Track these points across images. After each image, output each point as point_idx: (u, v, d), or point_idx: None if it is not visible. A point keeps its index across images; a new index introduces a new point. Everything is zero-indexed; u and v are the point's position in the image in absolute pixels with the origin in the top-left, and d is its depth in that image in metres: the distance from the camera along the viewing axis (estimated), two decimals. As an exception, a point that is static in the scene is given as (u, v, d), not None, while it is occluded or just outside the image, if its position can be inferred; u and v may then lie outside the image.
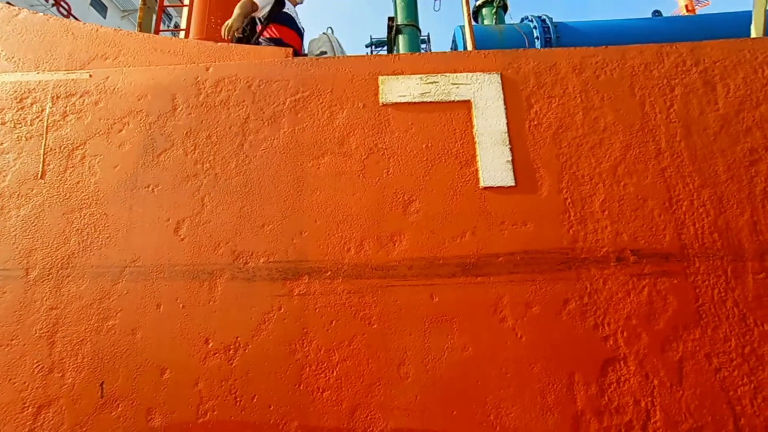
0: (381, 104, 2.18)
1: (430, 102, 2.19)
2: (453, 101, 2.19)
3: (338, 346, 1.85)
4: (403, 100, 2.19)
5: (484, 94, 2.19)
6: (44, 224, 2.03)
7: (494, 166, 2.08)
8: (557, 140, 2.10)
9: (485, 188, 2.05)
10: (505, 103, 2.17)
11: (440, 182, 2.06)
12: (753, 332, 1.78)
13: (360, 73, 2.24)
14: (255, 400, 1.80)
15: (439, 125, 2.16)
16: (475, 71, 2.24)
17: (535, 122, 2.15)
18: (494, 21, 6.55)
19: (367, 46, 12.76)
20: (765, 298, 1.81)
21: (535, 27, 5.99)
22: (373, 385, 1.81)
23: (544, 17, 6.03)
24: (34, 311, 1.92)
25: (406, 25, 6.40)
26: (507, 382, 1.79)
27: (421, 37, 6.82)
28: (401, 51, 6.47)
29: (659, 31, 5.73)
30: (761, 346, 1.76)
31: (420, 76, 2.23)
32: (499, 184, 2.05)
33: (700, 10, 17.44)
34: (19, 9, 2.43)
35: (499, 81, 2.21)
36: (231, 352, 1.85)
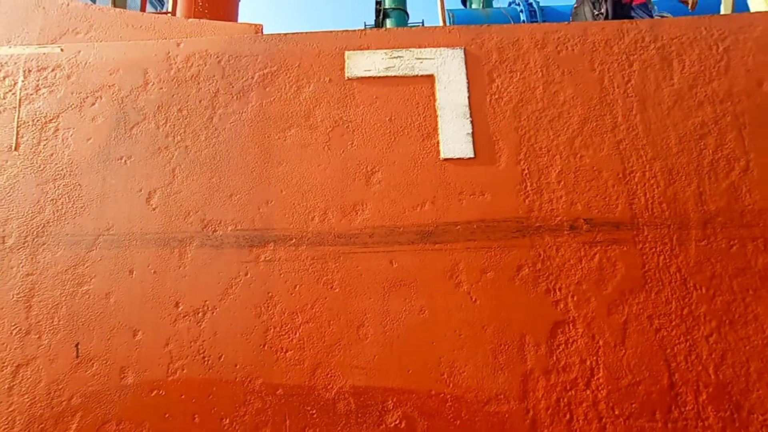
0: (347, 78, 2.24)
1: (395, 76, 2.25)
2: (417, 75, 2.25)
3: (301, 309, 1.95)
4: (368, 74, 2.25)
5: (447, 68, 2.25)
6: (19, 194, 2.11)
7: (455, 138, 2.14)
8: (517, 114, 2.17)
9: (445, 160, 2.12)
10: (467, 78, 2.23)
11: (402, 154, 2.13)
12: (692, 295, 1.87)
13: (327, 49, 2.29)
14: (222, 360, 1.90)
15: (402, 99, 2.22)
16: (439, 46, 2.29)
17: (496, 96, 2.21)
18: (482, 5, 6.53)
19: None
20: (705, 263, 1.90)
21: (521, 11, 5.99)
22: (334, 345, 1.91)
23: (530, 1, 6.03)
24: (11, 277, 2.00)
25: (393, 8, 6.39)
26: (461, 343, 1.89)
27: (416, 23, 6.80)
28: (389, 34, 6.46)
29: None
30: (698, 307, 1.85)
31: (385, 51, 2.28)
32: (458, 156, 2.12)
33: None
34: (-9, -16, 2.46)
35: (463, 56, 2.26)
36: (200, 314, 1.94)
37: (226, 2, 6.51)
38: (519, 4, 5.98)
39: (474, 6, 6.61)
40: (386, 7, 6.36)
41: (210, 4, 6.27)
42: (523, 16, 5.91)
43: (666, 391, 1.78)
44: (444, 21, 2.71)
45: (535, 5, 5.93)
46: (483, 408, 1.82)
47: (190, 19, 2.40)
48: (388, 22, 6.34)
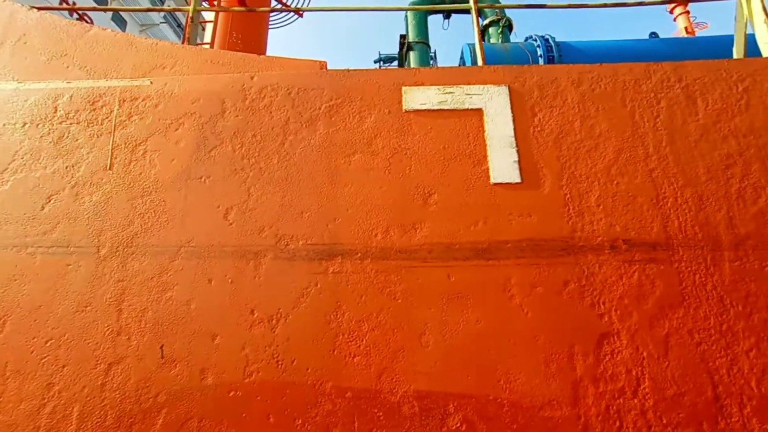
0: (404, 111, 2.50)
1: (447, 110, 2.51)
2: (467, 109, 2.51)
3: (367, 318, 2.13)
4: (423, 107, 2.51)
5: (494, 103, 2.51)
6: (112, 209, 2.34)
7: (503, 165, 2.38)
8: (558, 144, 2.41)
9: (495, 184, 2.34)
10: (512, 112, 2.49)
11: (456, 178, 2.37)
12: (729, 312, 2.04)
13: (386, 84, 2.57)
14: (294, 364, 2.07)
15: (454, 130, 2.47)
16: (486, 83, 2.57)
17: (539, 128, 2.46)
18: (500, 39, 6.96)
19: (376, 62, 13.30)
20: (739, 282, 2.08)
21: (538, 46, 6.38)
22: (398, 352, 2.07)
23: (547, 37, 6.44)
24: (104, 283, 2.21)
25: (417, 42, 6.80)
26: (515, 352, 2.06)
27: (429, 54, 7.22)
28: (412, 66, 6.86)
29: (655, 51, 6.11)
30: (736, 323, 2.02)
31: (438, 87, 2.55)
32: (507, 181, 2.35)
33: (699, 33, 17.98)
34: (90, 26, 2.79)
35: (507, 92, 2.53)
36: (274, 321, 2.13)
37: (257, 35, 7.00)
38: (536, 40, 6.36)
39: (492, 40, 7.04)
40: (410, 40, 6.79)
41: (243, 37, 6.74)
42: (540, 51, 6.27)
43: (711, 403, 1.92)
44: (484, 60, 3.00)
45: (551, 41, 6.30)
46: (538, 413, 1.96)
47: (262, 56, 2.71)
48: (412, 55, 6.75)
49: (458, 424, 1.96)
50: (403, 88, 2.55)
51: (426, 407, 1.99)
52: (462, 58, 7.11)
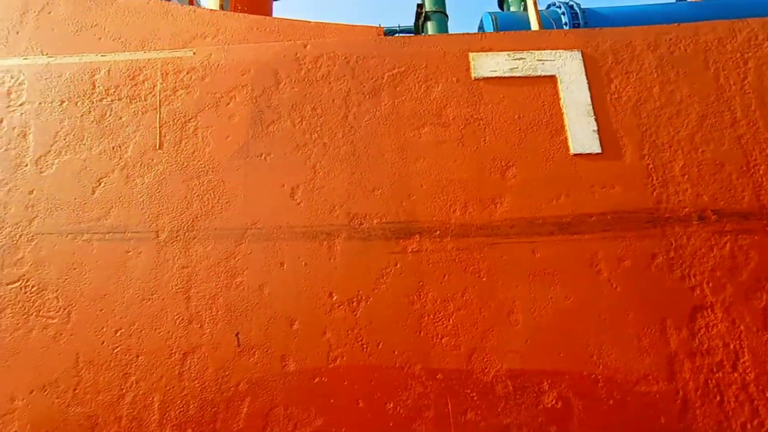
0: (473, 78, 2.34)
1: (519, 77, 2.35)
2: (539, 76, 2.35)
3: (452, 297, 2.03)
4: (493, 75, 2.35)
5: (568, 69, 2.36)
6: (167, 191, 2.18)
7: (582, 135, 2.25)
8: (637, 112, 2.28)
9: (575, 155, 2.22)
10: (587, 78, 2.34)
11: (533, 150, 2.23)
12: (827, 279, 1.98)
13: (451, 50, 2.39)
14: (381, 347, 1.98)
15: (528, 98, 2.32)
16: (557, 48, 2.40)
17: (616, 95, 2.32)
18: (521, 7, 6.68)
19: (387, 34, 12.76)
20: (837, 249, 2.01)
21: (563, 13, 6.12)
22: (487, 331, 1.99)
23: (572, 3, 6.18)
24: (168, 269, 2.07)
25: (434, 11, 6.51)
26: (606, 328, 1.99)
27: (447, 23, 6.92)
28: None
29: (686, 16, 5.89)
30: (835, 291, 1.96)
31: (507, 52, 2.38)
32: (587, 151, 2.22)
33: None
34: (119, -9, 2.54)
35: (581, 58, 2.37)
36: (354, 304, 2.03)
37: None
38: (560, 7, 6.09)
39: (512, 8, 6.75)
40: (427, 10, 6.48)
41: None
42: (564, 19, 6.01)
43: (810, 371, 1.88)
44: (540, 24, 2.82)
45: (576, 8, 6.04)
46: (633, 388, 1.91)
47: (312, 22, 2.50)
48: (429, 25, 6.46)
49: (554, 402, 1.91)
50: (470, 55, 2.37)
51: (520, 386, 1.93)
52: (481, 27, 6.83)
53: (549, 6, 6.80)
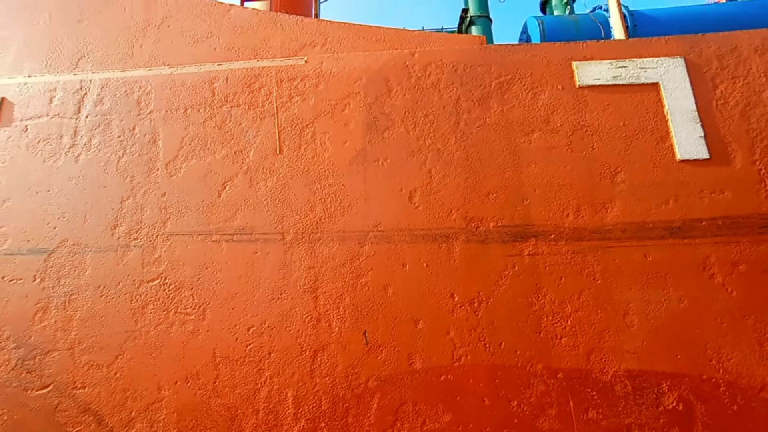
0: (578, 86, 2.41)
1: (622, 84, 2.41)
2: (642, 83, 2.41)
3: (569, 299, 2.10)
4: (597, 83, 2.41)
5: (671, 76, 2.41)
6: (290, 194, 2.29)
7: (688, 141, 2.30)
8: (745, 117, 2.32)
9: (682, 161, 2.27)
10: (691, 84, 2.39)
11: (640, 156, 2.29)
12: None
13: (555, 59, 2.46)
14: (502, 346, 2.06)
15: (632, 105, 2.38)
16: (659, 56, 2.45)
17: (722, 101, 2.36)
18: (566, 11, 6.70)
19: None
20: None
21: (610, 17, 6.13)
22: (604, 332, 2.06)
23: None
24: (295, 270, 2.18)
25: (479, 16, 6.56)
26: (723, 332, 2.04)
27: (451, 29, 6.97)
28: (475, 41, 6.65)
29: (738, 15, 5.85)
30: None
31: (610, 61, 2.45)
32: (694, 157, 2.27)
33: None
34: (230, 5, 2.66)
35: (684, 64, 2.42)
36: (475, 304, 2.11)
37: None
38: (607, 10, 6.10)
39: (557, 12, 6.78)
40: (472, 14, 6.55)
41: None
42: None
43: None
44: (626, 33, 2.87)
45: (625, 10, 6.04)
46: (758, 394, 1.95)
47: (416, 31, 2.59)
48: (474, 29, 6.53)
49: (674, 403, 1.97)
50: (574, 63, 2.44)
51: (639, 386, 1.99)
52: (525, 32, 6.87)
53: (594, 9, 6.82)
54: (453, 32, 7.63)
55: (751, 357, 2.00)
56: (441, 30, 8.23)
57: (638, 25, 6.22)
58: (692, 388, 1.98)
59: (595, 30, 6.25)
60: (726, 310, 2.06)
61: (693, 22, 6.10)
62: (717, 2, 7.58)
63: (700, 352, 2.02)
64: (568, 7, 6.62)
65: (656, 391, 1.99)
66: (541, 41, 6.18)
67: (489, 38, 6.76)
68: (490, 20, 6.77)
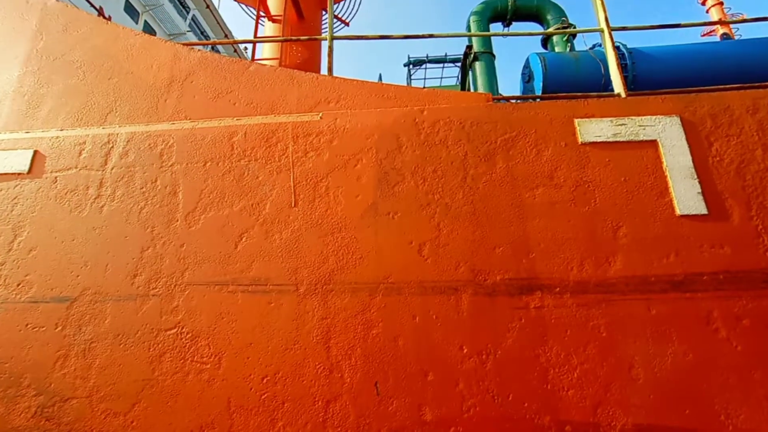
0: (580, 143, 2.53)
1: (622, 141, 2.53)
2: (641, 141, 2.53)
3: (575, 351, 2.16)
4: (598, 139, 2.53)
5: (668, 134, 2.53)
6: (304, 246, 2.39)
7: (687, 196, 2.40)
8: (741, 174, 2.42)
9: (682, 216, 2.36)
10: (687, 142, 2.50)
11: (641, 210, 2.39)
12: None
13: (557, 116, 2.60)
14: (510, 398, 2.10)
15: (632, 161, 2.49)
16: (656, 114, 2.58)
17: (717, 158, 2.47)
18: (567, 48, 6.95)
19: (405, 65, 13.29)
20: None
21: (610, 54, 6.34)
22: (610, 384, 2.11)
23: (618, 44, 6.42)
24: (308, 321, 2.26)
25: (482, 52, 6.81)
26: (731, 387, 2.08)
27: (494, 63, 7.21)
28: (478, 75, 6.88)
29: (730, 54, 6.06)
30: None
31: (610, 119, 2.58)
32: (693, 213, 2.37)
33: (734, 26, 17.75)
34: (250, 62, 2.84)
35: (680, 123, 2.55)
36: (484, 356, 2.17)
37: (313, 47, 7.06)
38: (606, 49, 6.30)
39: (558, 48, 7.03)
40: (476, 50, 6.80)
41: (302, 50, 6.78)
42: (611, 60, 6.20)
43: None
44: (625, 89, 3.01)
45: (623, 48, 6.28)
46: (765, 449, 1.98)
47: (425, 89, 2.74)
48: (478, 65, 6.77)
49: (683, 460, 1.99)
50: (576, 121, 2.57)
51: (647, 442, 2.02)
52: (528, 67, 7.10)
53: (594, 46, 7.07)
54: (458, 59, 7.87)
55: (759, 413, 2.03)
56: (445, 58, 8.53)
57: (636, 63, 6.45)
58: (699, 445, 2.01)
59: (594, 67, 6.48)
60: (732, 365, 2.11)
61: (689, 59, 6.32)
62: (710, 38, 7.84)
63: (708, 407, 2.06)
64: (569, 44, 6.86)
65: (664, 447, 2.01)
66: (543, 76, 6.41)
67: (492, 72, 6.98)
68: (493, 56, 7.01)
